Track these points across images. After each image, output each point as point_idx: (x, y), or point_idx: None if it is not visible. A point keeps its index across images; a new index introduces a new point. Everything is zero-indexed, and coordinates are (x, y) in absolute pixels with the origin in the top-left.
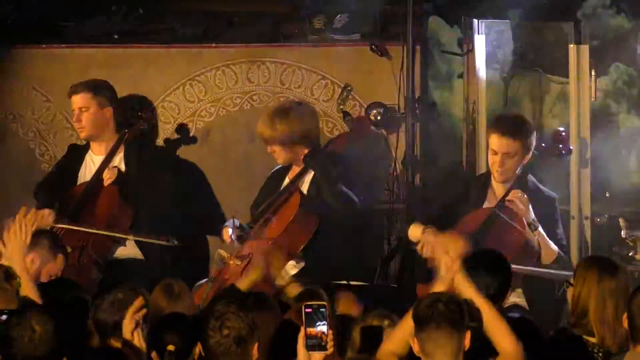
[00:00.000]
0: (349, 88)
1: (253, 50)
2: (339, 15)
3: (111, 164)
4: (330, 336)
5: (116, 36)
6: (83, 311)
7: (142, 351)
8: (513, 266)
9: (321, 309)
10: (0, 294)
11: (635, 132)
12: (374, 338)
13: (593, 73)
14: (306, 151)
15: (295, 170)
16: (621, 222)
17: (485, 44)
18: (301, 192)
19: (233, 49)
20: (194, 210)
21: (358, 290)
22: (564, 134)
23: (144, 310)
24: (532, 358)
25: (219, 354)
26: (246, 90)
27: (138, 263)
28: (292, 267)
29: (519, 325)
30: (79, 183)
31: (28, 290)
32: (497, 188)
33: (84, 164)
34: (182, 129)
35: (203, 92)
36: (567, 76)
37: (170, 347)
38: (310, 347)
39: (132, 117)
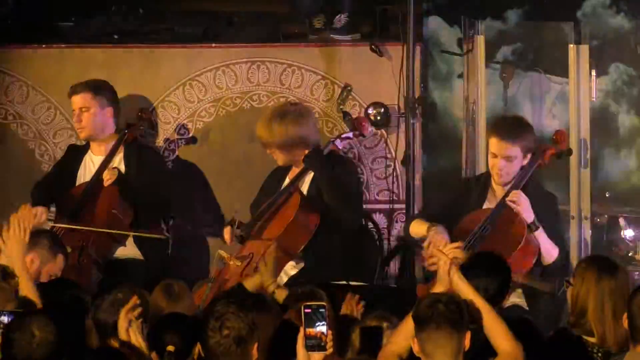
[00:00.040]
0: (348, 88)
1: (253, 50)
2: (339, 15)
3: (111, 165)
4: (330, 336)
5: (116, 36)
6: (82, 311)
7: (142, 351)
8: None
9: (320, 310)
10: None
11: (635, 132)
12: (373, 339)
13: (593, 73)
14: (305, 152)
15: (296, 170)
16: (621, 222)
17: (485, 44)
18: (301, 192)
19: (233, 49)
20: (193, 211)
21: (358, 290)
22: (564, 134)
23: (139, 309)
24: (531, 358)
25: (219, 354)
26: (246, 90)
27: (138, 263)
28: (291, 268)
29: (518, 325)
30: (78, 183)
31: (27, 290)
32: (497, 189)
33: (82, 165)
34: (181, 129)
35: (203, 92)
36: (567, 76)
37: (170, 348)
38: (309, 348)
39: (132, 117)
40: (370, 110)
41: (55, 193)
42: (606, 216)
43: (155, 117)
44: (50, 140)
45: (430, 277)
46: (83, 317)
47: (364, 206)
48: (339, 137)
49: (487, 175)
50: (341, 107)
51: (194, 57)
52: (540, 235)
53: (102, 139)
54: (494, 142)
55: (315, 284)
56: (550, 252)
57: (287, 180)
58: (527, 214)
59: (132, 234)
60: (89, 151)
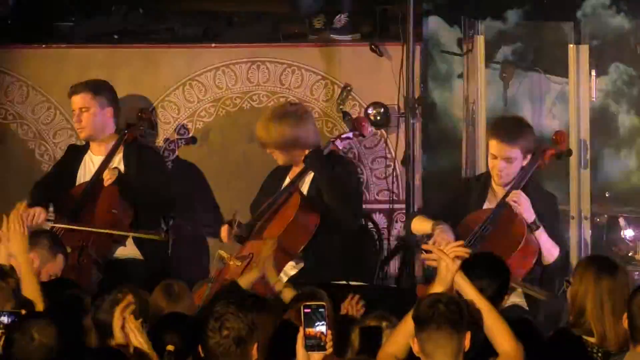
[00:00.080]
0: (348, 88)
1: (253, 50)
2: (339, 15)
3: (111, 165)
4: (329, 336)
5: (116, 36)
6: (81, 311)
7: (144, 352)
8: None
9: (320, 309)
10: None
11: (635, 132)
12: (372, 339)
13: (593, 73)
14: (305, 152)
15: (296, 170)
16: (621, 222)
17: (485, 44)
18: (301, 193)
19: (233, 49)
20: (193, 211)
21: (358, 290)
22: (564, 135)
23: (132, 307)
24: (532, 358)
25: (219, 354)
26: (246, 90)
27: (138, 263)
28: (291, 268)
29: (518, 325)
30: (77, 183)
31: (31, 287)
32: (498, 189)
33: (82, 165)
34: (181, 129)
35: (203, 92)
36: (567, 76)
37: (170, 347)
38: (309, 348)
39: (132, 117)
40: (370, 110)
41: (55, 193)
42: (606, 216)
43: (155, 117)
44: (50, 140)
45: (430, 277)
46: (81, 317)
47: (364, 206)
48: (339, 137)
49: (487, 176)
50: (341, 107)
51: (194, 57)
52: (541, 235)
53: (102, 139)
54: (493, 143)
55: (316, 284)
56: (550, 252)
57: (287, 180)
58: (528, 214)
59: (131, 234)
60: (89, 151)
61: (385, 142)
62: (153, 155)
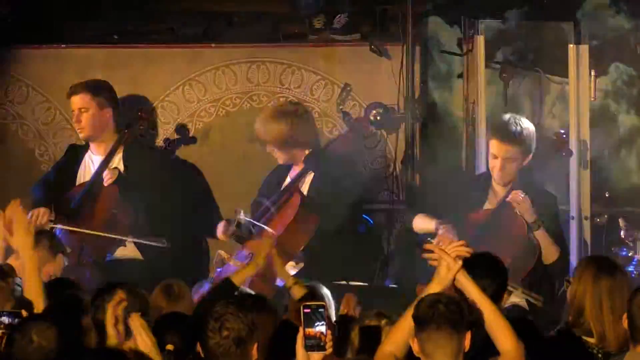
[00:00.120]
0: (348, 88)
1: (253, 50)
2: (338, 15)
3: (111, 164)
4: (329, 336)
5: (116, 36)
6: (80, 311)
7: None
8: None
9: (320, 309)
10: None
11: (635, 132)
12: (372, 338)
13: (593, 73)
14: (305, 152)
15: (296, 170)
16: (621, 222)
17: (485, 44)
18: (301, 193)
19: (233, 49)
20: (192, 211)
21: (358, 290)
22: (564, 136)
23: (124, 304)
24: (532, 358)
25: (219, 355)
26: (246, 90)
27: (138, 263)
28: (291, 268)
29: (519, 325)
30: (77, 183)
31: (34, 285)
32: (498, 188)
33: (82, 164)
34: (181, 129)
35: (203, 92)
36: (567, 76)
37: (169, 347)
38: (309, 348)
39: (132, 117)
40: (370, 110)
41: (55, 193)
42: (606, 216)
43: (155, 117)
44: (50, 140)
45: (431, 277)
46: (80, 316)
47: (364, 206)
48: (339, 136)
49: (487, 175)
50: (341, 107)
51: (194, 57)
52: (541, 235)
53: (101, 139)
54: (494, 143)
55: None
56: (551, 251)
57: (287, 180)
58: (528, 213)
59: (131, 240)
60: (89, 151)
61: (385, 142)
62: (153, 155)
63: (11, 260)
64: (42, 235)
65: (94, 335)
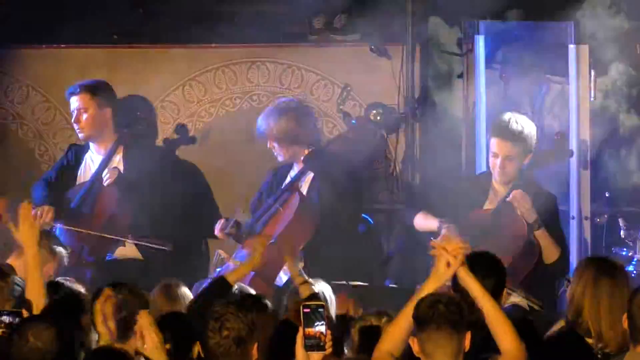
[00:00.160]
0: (348, 88)
1: (253, 50)
2: (338, 16)
3: (110, 164)
4: (329, 336)
5: (116, 36)
6: (80, 311)
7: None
8: None
9: (319, 309)
10: None
11: (635, 132)
12: (372, 338)
13: (593, 73)
14: (305, 151)
15: (296, 170)
16: (621, 222)
17: (485, 44)
18: (301, 193)
19: (233, 49)
20: (192, 211)
21: (358, 290)
22: (564, 136)
23: (113, 300)
24: (532, 358)
25: (219, 354)
26: (246, 90)
27: (138, 263)
28: None
29: (519, 325)
30: (78, 183)
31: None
32: (499, 188)
33: (83, 164)
34: (181, 129)
35: (203, 92)
36: (567, 76)
37: (167, 346)
38: (308, 348)
39: (132, 117)
40: (370, 110)
41: (56, 192)
42: (606, 216)
43: (155, 117)
44: (50, 140)
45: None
46: (79, 316)
47: (364, 206)
48: (338, 137)
49: (488, 175)
50: (341, 107)
51: (194, 57)
52: (542, 235)
53: (101, 139)
54: (495, 142)
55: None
56: (551, 251)
57: (287, 180)
58: (529, 213)
59: (132, 242)
60: (89, 151)
61: (386, 142)
62: (152, 155)
63: (11, 260)
64: (42, 235)
65: (94, 334)
